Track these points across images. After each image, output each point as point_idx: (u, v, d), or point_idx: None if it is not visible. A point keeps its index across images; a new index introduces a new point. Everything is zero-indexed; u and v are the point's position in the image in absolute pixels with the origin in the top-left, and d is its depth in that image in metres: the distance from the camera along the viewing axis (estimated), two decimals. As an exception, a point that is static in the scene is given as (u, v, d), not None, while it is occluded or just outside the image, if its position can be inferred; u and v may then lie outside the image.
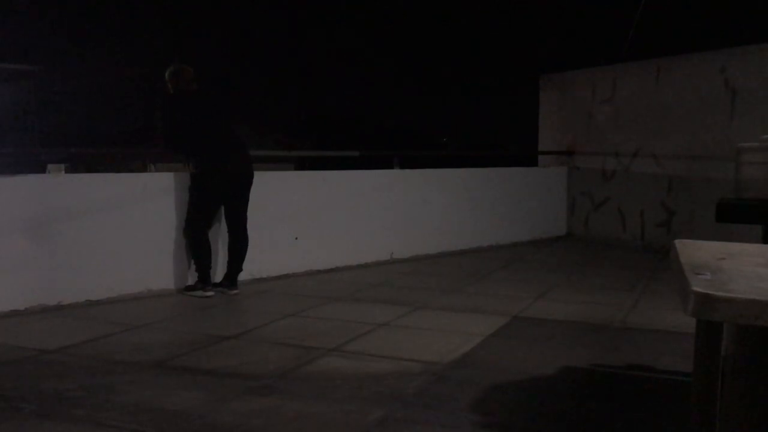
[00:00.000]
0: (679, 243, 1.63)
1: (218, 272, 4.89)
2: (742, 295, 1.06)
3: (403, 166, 6.65)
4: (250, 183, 4.85)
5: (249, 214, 4.90)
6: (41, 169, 4.47)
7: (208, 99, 4.91)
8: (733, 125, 6.40)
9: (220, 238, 4.95)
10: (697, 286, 1.09)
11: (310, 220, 5.63)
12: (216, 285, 4.75)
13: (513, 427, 2.44)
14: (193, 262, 4.78)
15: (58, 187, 4.41)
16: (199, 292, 4.63)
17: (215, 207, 4.82)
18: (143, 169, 5.68)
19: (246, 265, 4.90)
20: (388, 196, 6.29)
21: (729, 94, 6.50)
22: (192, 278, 4.78)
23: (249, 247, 4.89)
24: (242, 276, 4.94)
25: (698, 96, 6.78)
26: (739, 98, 6.42)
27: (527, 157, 8.97)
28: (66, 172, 4.46)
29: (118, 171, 5.62)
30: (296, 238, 5.51)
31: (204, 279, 4.69)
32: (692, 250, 1.53)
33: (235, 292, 4.72)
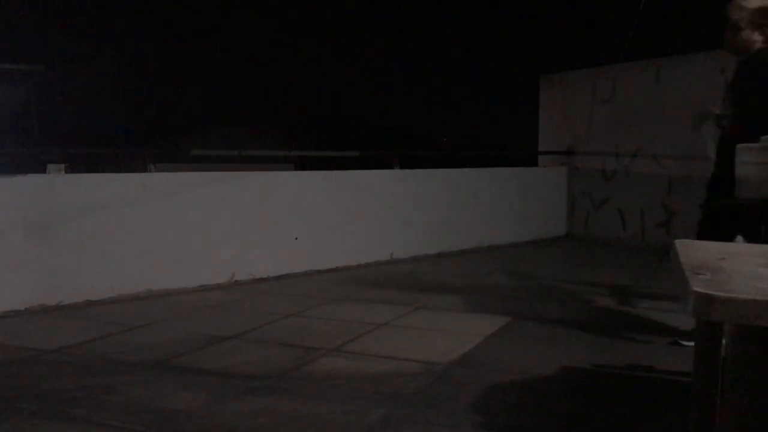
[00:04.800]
0: (679, 243, 1.63)
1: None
2: (742, 295, 1.06)
3: (403, 166, 6.65)
4: None
5: (248, 214, 4.88)
6: (41, 169, 4.48)
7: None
8: (733, 125, 6.39)
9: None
10: (697, 286, 1.09)
11: (310, 220, 5.64)
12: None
13: (513, 427, 2.44)
14: None
15: (58, 187, 4.41)
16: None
17: None
18: (143, 169, 5.69)
19: (246, 265, 4.90)
20: (388, 196, 6.30)
21: (729, 94, 6.48)
22: None
23: (249, 246, 4.86)
24: (242, 276, 4.94)
25: (698, 96, 6.77)
26: (739, 98, 6.41)
27: (527, 157, 8.97)
28: (66, 172, 4.46)
29: (118, 171, 5.62)
30: (296, 238, 5.51)
31: None
32: (692, 250, 1.53)
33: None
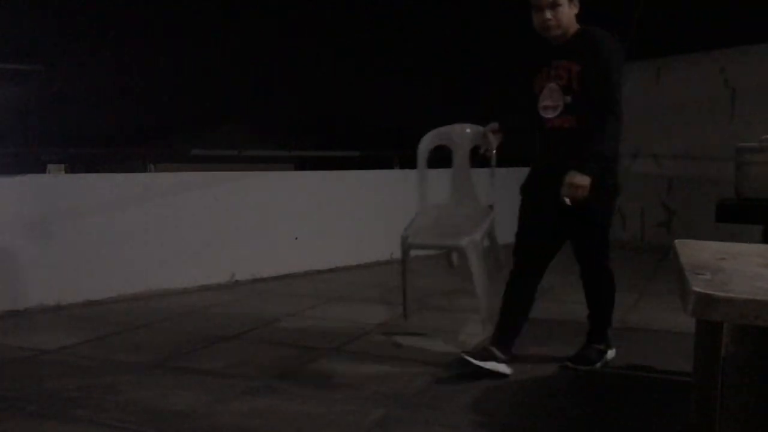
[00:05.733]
0: (679, 243, 1.63)
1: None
2: (742, 295, 1.06)
3: (403, 166, 6.64)
4: None
5: (248, 214, 4.88)
6: (41, 169, 4.48)
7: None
8: (733, 125, 6.40)
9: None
10: (697, 286, 1.09)
11: (310, 220, 5.63)
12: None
13: (513, 427, 2.44)
14: (602, 318, 3.14)
15: (58, 187, 4.41)
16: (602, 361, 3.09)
17: None
18: (143, 169, 5.69)
19: (246, 265, 4.89)
20: (388, 196, 6.29)
21: (729, 94, 6.50)
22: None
23: (249, 247, 4.85)
24: (243, 276, 4.93)
25: (698, 96, 6.77)
26: (739, 98, 6.42)
27: (528, 157, 8.94)
28: (66, 172, 4.46)
29: (118, 171, 5.62)
30: (296, 238, 5.51)
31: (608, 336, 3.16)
32: (692, 250, 1.53)
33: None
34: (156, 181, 4.87)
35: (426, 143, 3.91)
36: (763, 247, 1.66)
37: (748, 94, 6.36)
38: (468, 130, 3.74)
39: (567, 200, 2.77)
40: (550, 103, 2.89)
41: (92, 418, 2.46)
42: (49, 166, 4.43)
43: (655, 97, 7.20)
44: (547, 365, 3.10)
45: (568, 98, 2.83)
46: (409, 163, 6.95)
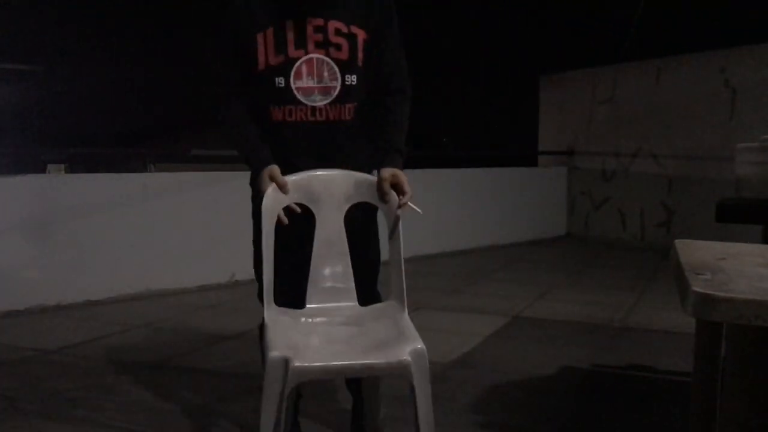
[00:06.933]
0: (679, 243, 1.63)
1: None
2: (742, 295, 1.06)
3: (403, 166, 6.64)
4: None
5: (248, 214, 4.86)
6: (41, 169, 4.47)
7: None
8: (733, 125, 6.40)
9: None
10: (697, 286, 1.09)
11: (310, 220, 5.63)
12: None
13: (513, 427, 2.44)
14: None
15: (58, 187, 4.41)
16: None
17: None
18: (143, 169, 5.70)
19: (246, 264, 4.85)
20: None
21: (729, 94, 6.50)
22: None
23: (249, 246, 4.83)
24: (243, 276, 4.90)
25: (698, 96, 6.77)
26: (739, 98, 6.42)
27: (527, 157, 8.97)
28: (66, 172, 4.46)
29: (118, 171, 5.62)
30: (296, 238, 5.50)
31: None
32: (692, 250, 1.53)
33: None
34: (156, 181, 4.86)
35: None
36: (763, 247, 1.66)
37: (748, 94, 6.35)
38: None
39: (408, 206, 2.04)
40: (316, 84, 1.94)
41: (92, 418, 2.46)
42: (49, 166, 4.44)
43: (655, 97, 7.20)
44: (547, 365, 3.10)
45: (352, 78, 1.95)
46: (409, 163, 6.95)
